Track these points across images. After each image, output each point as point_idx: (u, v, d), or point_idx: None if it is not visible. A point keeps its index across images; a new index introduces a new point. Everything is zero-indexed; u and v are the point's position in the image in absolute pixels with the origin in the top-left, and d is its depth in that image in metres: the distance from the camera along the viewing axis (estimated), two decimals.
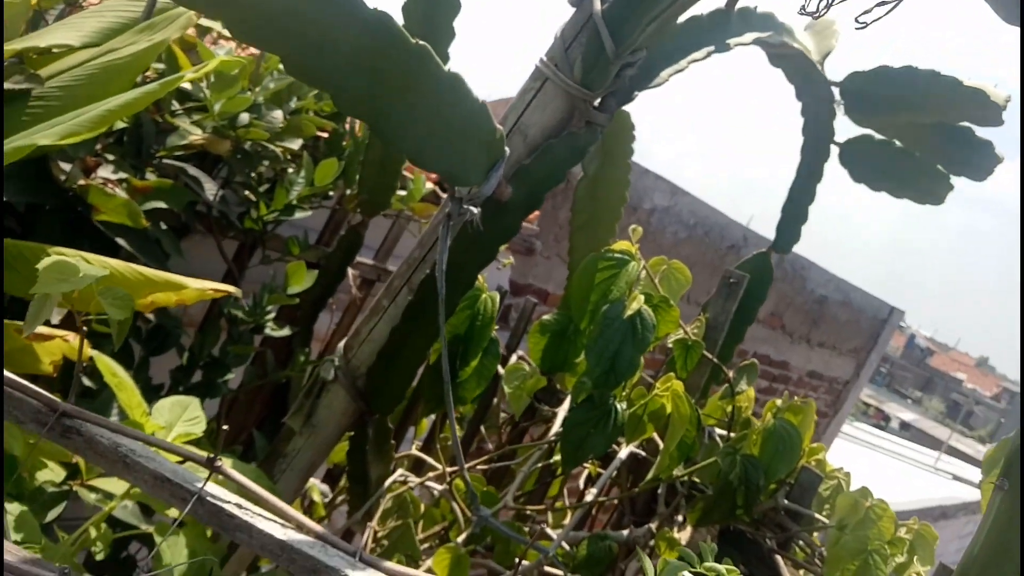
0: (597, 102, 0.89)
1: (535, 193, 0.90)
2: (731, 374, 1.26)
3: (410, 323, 0.94)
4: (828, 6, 0.42)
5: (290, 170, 1.49)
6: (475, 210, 0.87)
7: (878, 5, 0.42)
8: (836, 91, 1.09)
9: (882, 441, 11.24)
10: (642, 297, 1.12)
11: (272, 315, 1.46)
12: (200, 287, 0.91)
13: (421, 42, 0.70)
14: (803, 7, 0.43)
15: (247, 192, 1.41)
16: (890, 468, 8.87)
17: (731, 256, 3.61)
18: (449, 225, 0.88)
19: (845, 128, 1.18)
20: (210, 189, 1.27)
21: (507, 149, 0.85)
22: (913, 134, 1.08)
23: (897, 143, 1.11)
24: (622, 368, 1.08)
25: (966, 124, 1.01)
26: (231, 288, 0.97)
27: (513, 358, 1.55)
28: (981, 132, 1.07)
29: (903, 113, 1.02)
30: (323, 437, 1.04)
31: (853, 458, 7.86)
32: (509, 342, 1.65)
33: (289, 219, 1.50)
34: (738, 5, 0.99)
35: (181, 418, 0.93)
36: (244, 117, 1.20)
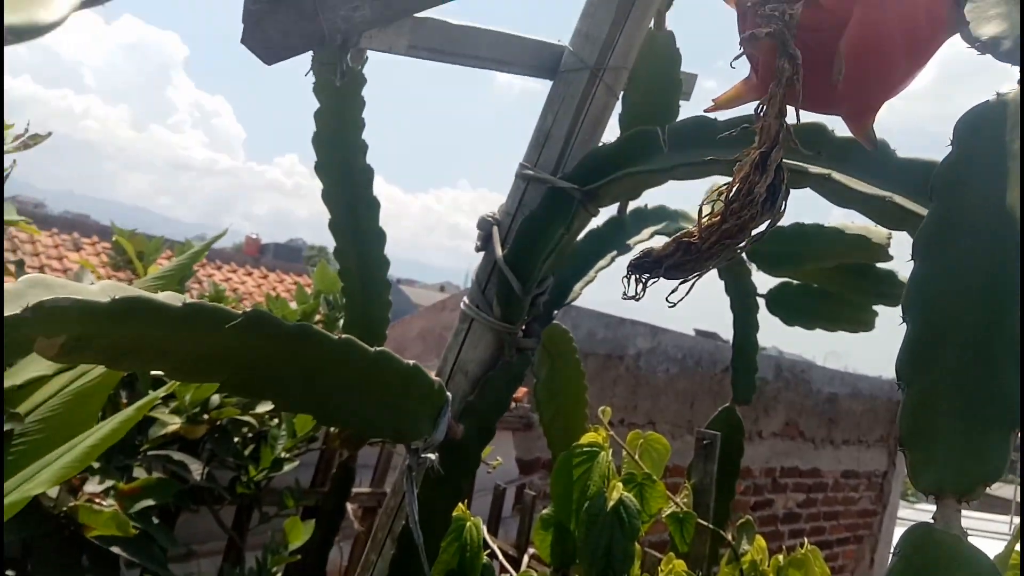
0: (522, 330, 0.97)
1: (486, 425, 0.96)
2: (731, 536, 1.26)
3: None
4: (644, 288, 0.49)
5: (273, 424, 1.55)
6: (432, 456, 0.92)
7: (682, 283, 0.49)
8: (743, 254, 1.18)
9: None
10: (620, 485, 1.15)
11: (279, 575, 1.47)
12: None
13: (343, 335, 0.78)
14: (624, 293, 0.50)
15: (234, 459, 1.46)
16: None
17: (728, 377, 3.63)
18: (412, 477, 0.92)
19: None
20: (196, 470, 1.32)
21: (448, 394, 0.92)
22: (825, 275, 1.16)
23: (815, 284, 1.18)
24: (617, 563, 1.09)
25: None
26: None
27: (525, 559, 1.55)
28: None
29: (806, 263, 1.10)
30: None
31: None
32: (518, 540, 1.65)
33: (283, 472, 1.55)
34: (630, 207, 1.09)
35: None
36: (215, 399, 1.28)
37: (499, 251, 0.93)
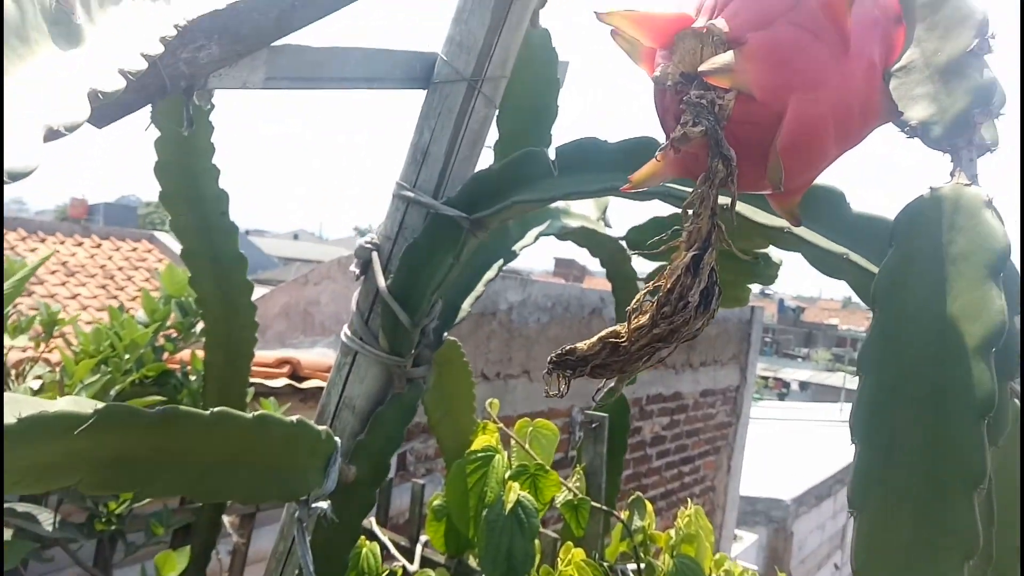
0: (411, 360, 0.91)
1: (379, 464, 0.90)
2: (623, 515, 1.29)
3: None
4: (568, 385, 0.45)
5: None
6: (324, 505, 0.86)
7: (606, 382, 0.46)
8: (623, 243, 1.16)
9: (788, 412, 11.80)
10: (516, 486, 1.13)
11: None
12: None
13: (215, 409, 0.69)
14: (547, 391, 0.46)
15: (89, 498, 1.32)
16: (807, 436, 9.33)
17: (596, 319, 3.73)
18: (303, 527, 0.86)
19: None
20: (46, 520, 1.18)
21: (337, 440, 0.85)
22: None
23: None
24: (518, 565, 1.08)
25: None
26: None
27: (418, 549, 1.53)
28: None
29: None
30: None
31: (770, 444, 8.21)
32: (409, 529, 1.62)
33: (144, 503, 1.42)
34: None
35: None
36: None
37: (381, 282, 0.85)
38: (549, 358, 0.46)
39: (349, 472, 0.88)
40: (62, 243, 7.20)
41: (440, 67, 0.82)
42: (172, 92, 0.54)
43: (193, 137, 0.78)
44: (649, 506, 1.42)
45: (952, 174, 0.42)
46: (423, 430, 2.80)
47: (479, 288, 0.97)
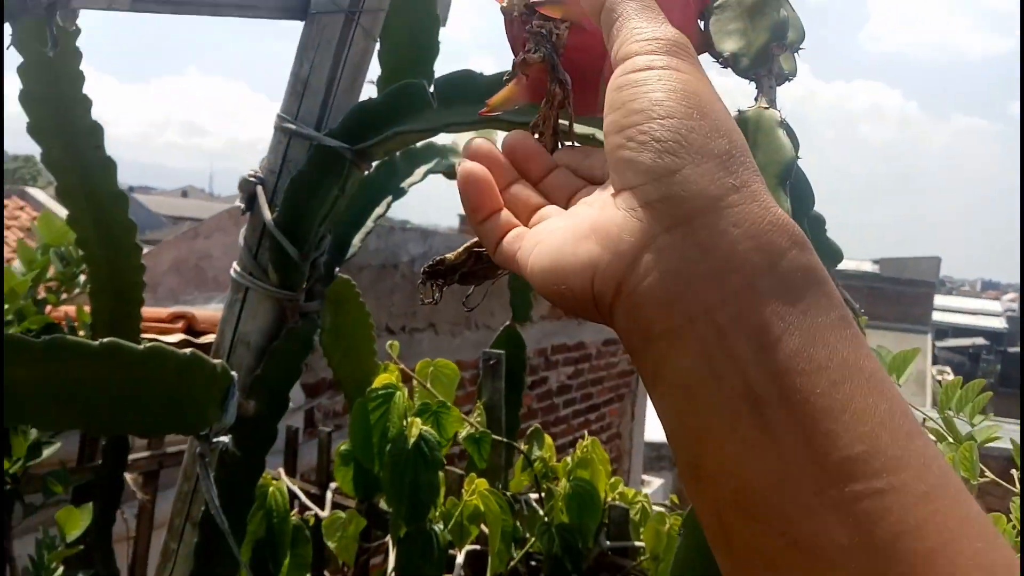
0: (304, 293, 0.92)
1: (278, 396, 0.92)
2: (523, 446, 1.35)
3: (206, 566, 0.92)
4: (441, 292, 0.49)
5: None
6: (225, 439, 0.87)
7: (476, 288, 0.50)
8: None
9: None
10: (419, 421, 1.17)
11: (60, 570, 1.34)
12: None
13: (104, 339, 0.70)
14: (422, 300, 0.50)
15: None
16: None
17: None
18: (205, 463, 0.87)
19: None
20: None
21: (234, 374, 0.86)
22: None
23: None
24: (424, 496, 1.13)
25: None
26: None
27: (328, 496, 1.55)
28: None
29: None
30: None
31: None
32: (318, 477, 1.64)
33: (41, 459, 1.39)
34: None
35: None
36: None
37: (267, 214, 0.86)
38: (422, 268, 0.49)
39: (248, 406, 0.90)
40: None
41: None
42: (32, 7, 0.53)
43: (61, 63, 0.76)
44: (548, 439, 1.49)
45: (756, 99, 0.47)
46: (329, 386, 2.80)
47: (369, 224, 0.99)
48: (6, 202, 7.45)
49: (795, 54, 0.46)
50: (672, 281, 0.27)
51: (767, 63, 0.45)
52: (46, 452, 1.39)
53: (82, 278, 1.60)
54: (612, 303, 0.30)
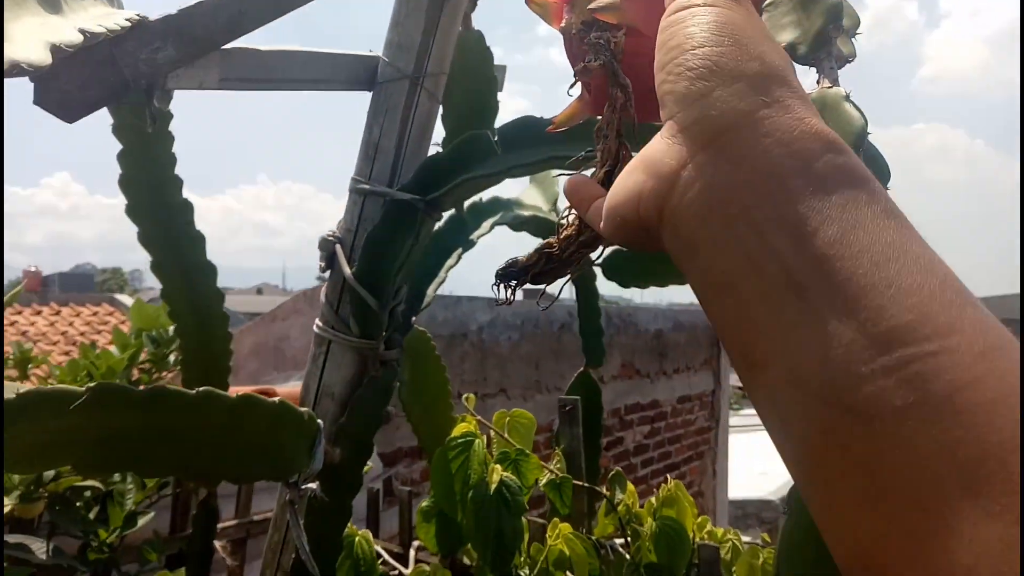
0: (383, 343, 0.96)
1: (362, 444, 0.95)
2: (605, 489, 1.34)
3: None
4: (514, 293, 0.51)
5: (117, 480, 1.44)
6: (313, 486, 0.90)
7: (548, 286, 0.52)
8: None
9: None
10: (499, 468, 1.18)
11: None
12: None
13: (200, 388, 0.74)
14: (496, 300, 0.52)
15: (80, 527, 1.34)
16: None
17: (566, 334, 3.80)
18: (294, 510, 0.90)
19: None
20: (39, 549, 1.20)
21: (320, 422, 0.90)
22: None
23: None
24: (508, 542, 1.13)
25: None
26: None
27: (411, 554, 1.56)
28: None
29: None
30: None
31: (754, 450, 8.28)
32: (400, 536, 1.65)
33: (137, 528, 1.44)
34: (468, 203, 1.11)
35: None
36: (48, 472, 1.16)
37: (347, 269, 0.91)
38: (496, 271, 0.51)
39: (334, 453, 0.93)
40: (19, 313, 6.82)
41: (383, 68, 0.89)
42: (134, 89, 0.59)
43: (155, 148, 0.84)
44: (631, 485, 1.47)
45: (817, 82, 0.49)
46: (406, 455, 2.83)
47: (442, 274, 1.03)
48: (96, 308, 7.88)
49: (852, 39, 0.48)
50: (708, 193, 0.28)
51: (825, 46, 0.47)
52: (141, 522, 1.45)
53: (172, 358, 1.69)
54: (659, 225, 0.31)
